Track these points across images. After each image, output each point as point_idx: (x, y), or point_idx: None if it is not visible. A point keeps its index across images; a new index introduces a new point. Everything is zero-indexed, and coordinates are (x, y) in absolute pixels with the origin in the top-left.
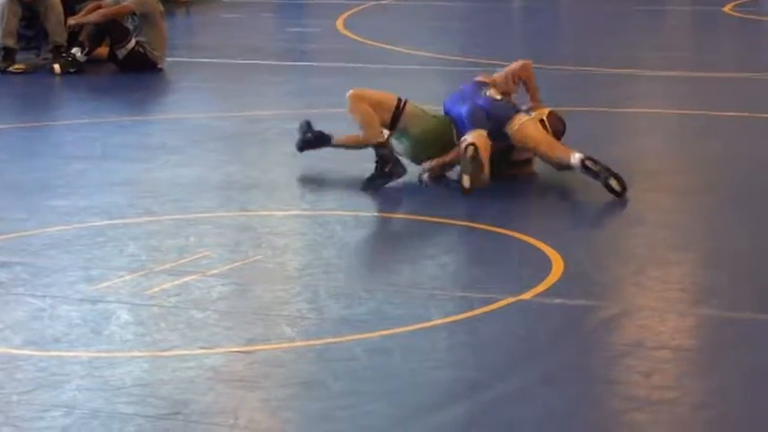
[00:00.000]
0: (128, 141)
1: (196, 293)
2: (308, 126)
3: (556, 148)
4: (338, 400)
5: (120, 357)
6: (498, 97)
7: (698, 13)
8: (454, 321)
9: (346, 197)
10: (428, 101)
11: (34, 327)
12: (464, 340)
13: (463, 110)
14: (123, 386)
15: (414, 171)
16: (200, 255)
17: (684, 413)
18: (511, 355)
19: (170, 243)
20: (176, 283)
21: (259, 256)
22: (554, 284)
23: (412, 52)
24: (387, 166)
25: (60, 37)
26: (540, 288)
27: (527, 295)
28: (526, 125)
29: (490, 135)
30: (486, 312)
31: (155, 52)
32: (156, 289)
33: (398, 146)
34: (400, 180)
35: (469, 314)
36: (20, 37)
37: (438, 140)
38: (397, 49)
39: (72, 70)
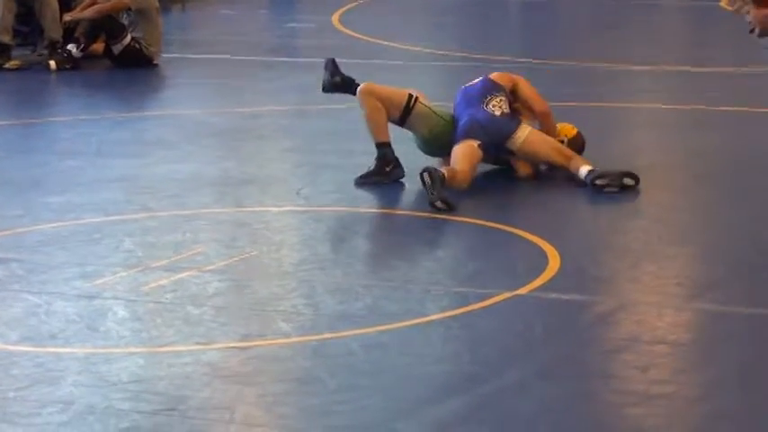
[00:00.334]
0: (123, 137)
1: (192, 289)
2: (334, 66)
3: (568, 158)
4: (335, 395)
5: (116, 353)
6: (498, 113)
7: (695, 7)
8: (451, 316)
9: (342, 193)
10: (425, 96)
11: (30, 323)
12: (460, 335)
13: (463, 117)
14: (119, 382)
15: (411, 168)
16: (196, 251)
17: (681, 407)
18: (507, 349)
19: (166, 239)
20: (172, 279)
21: (255, 252)
22: (550, 279)
23: (407, 48)
24: (387, 166)
25: (56, 33)
26: (537, 283)
27: (523, 290)
28: (531, 140)
29: (486, 148)
30: (482, 307)
31: (150, 48)
32: (153, 285)
33: (413, 138)
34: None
35: (466, 309)
36: (15, 33)
37: (444, 141)
38: (393, 44)
39: (67, 66)
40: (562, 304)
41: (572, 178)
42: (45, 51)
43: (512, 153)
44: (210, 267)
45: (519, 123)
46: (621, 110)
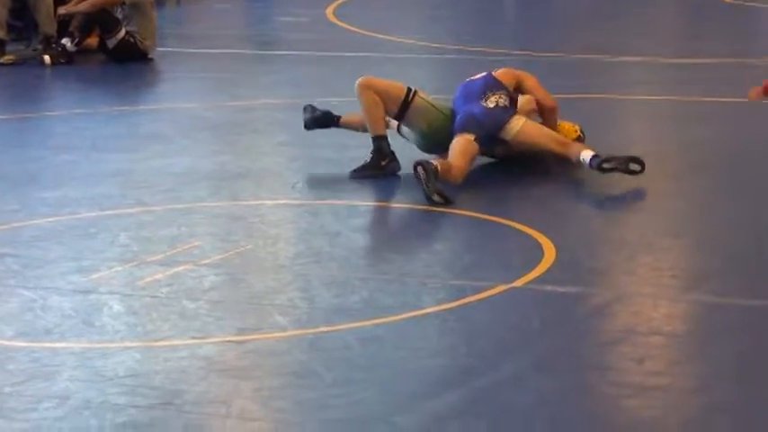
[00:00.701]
0: (118, 132)
1: (188, 283)
2: (312, 107)
3: (566, 145)
4: (331, 388)
5: (112, 348)
6: (492, 105)
7: None
8: (447, 309)
9: (338, 186)
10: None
11: (26, 318)
12: (457, 328)
13: (461, 112)
14: (115, 376)
15: (407, 162)
16: (192, 245)
17: (677, 399)
18: (503, 342)
19: (161, 233)
20: (168, 273)
21: (250, 246)
22: (546, 271)
23: (402, 40)
24: (383, 160)
25: (50, 28)
26: (533, 275)
27: (519, 282)
28: (524, 129)
29: (482, 141)
30: (478, 300)
31: (145, 42)
32: (148, 279)
33: (410, 135)
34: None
35: (462, 302)
36: (9, 28)
37: (443, 136)
38: (388, 37)
39: (62, 61)
40: (558, 296)
41: (570, 165)
42: (39, 46)
43: (505, 143)
44: (206, 261)
45: (513, 114)
46: (617, 101)
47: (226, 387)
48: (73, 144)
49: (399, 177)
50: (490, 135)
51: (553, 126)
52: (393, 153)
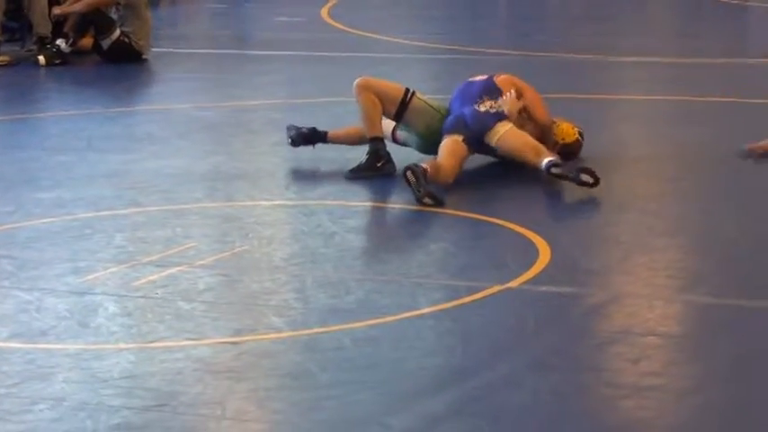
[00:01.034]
0: (113, 133)
1: (183, 284)
2: (295, 126)
3: (539, 153)
4: (326, 389)
5: (107, 349)
6: (483, 109)
7: None
8: (442, 310)
9: (332, 187)
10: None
11: (21, 319)
12: (452, 328)
13: (454, 113)
14: (111, 378)
15: (403, 164)
16: (187, 246)
17: (672, 399)
18: (498, 342)
19: (157, 234)
20: (163, 274)
21: (246, 247)
22: (541, 272)
23: (397, 40)
24: (379, 161)
25: (45, 29)
26: (528, 276)
27: (514, 283)
28: (505, 138)
29: (470, 143)
30: (473, 300)
31: (140, 42)
32: (143, 280)
33: (408, 137)
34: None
35: (457, 302)
36: (4, 29)
37: (441, 136)
38: (383, 37)
39: (57, 62)
40: (553, 297)
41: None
42: (34, 47)
43: (492, 148)
44: (201, 262)
45: (500, 119)
46: (611, 101)
47: (221, 388)
48: (68, 145)
49: (395, 178)
50: (478, 139)
51: (548, 143)
52: (389, 154)
